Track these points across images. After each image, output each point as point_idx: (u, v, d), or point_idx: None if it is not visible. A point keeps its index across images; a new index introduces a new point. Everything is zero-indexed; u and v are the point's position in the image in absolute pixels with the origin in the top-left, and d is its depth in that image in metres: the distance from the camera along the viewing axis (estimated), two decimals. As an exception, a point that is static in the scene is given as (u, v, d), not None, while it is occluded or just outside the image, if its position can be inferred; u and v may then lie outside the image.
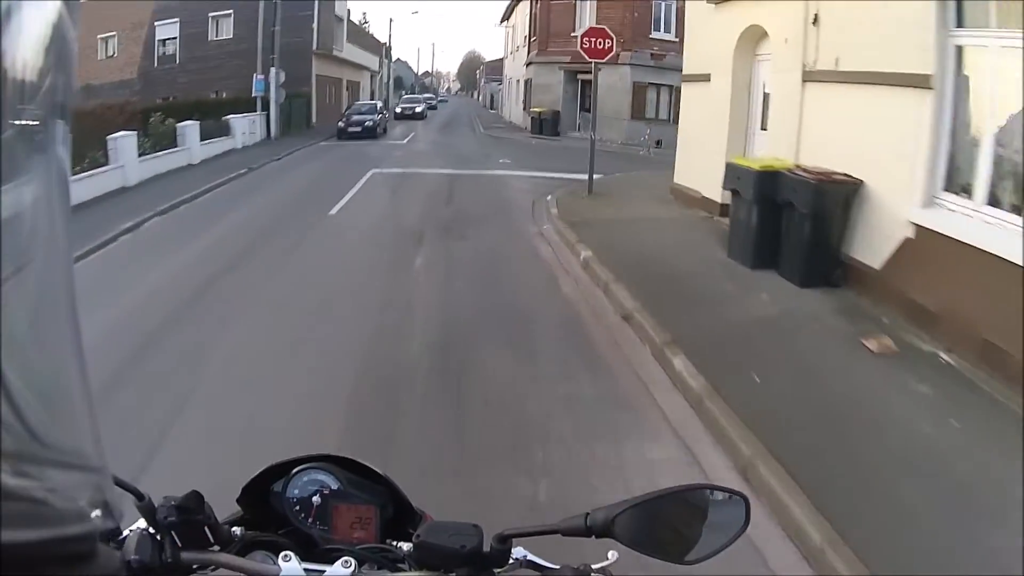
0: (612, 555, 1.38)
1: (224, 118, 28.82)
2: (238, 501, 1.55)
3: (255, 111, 32.59)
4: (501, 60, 72.16)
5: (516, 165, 23.67)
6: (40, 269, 0.83)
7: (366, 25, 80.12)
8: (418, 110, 55.11)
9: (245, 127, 30.39)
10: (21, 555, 0.69)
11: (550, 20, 38.13)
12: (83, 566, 0.87)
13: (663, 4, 35.45)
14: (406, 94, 79.64)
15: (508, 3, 53.63)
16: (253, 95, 33.05)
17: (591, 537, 1.33)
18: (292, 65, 37.72)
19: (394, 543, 1.49)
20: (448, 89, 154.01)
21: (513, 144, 33.63)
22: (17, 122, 0.76)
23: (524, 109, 43.89)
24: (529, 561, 1.41)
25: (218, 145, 26.62)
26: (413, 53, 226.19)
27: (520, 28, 48.26)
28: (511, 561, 1.39)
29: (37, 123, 0.80)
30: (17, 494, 0.70)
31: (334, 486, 1.52)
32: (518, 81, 49.07)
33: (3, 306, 0.71)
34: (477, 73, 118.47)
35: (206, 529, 1.37)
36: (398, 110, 54.60)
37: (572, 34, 36.21)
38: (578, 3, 36.91)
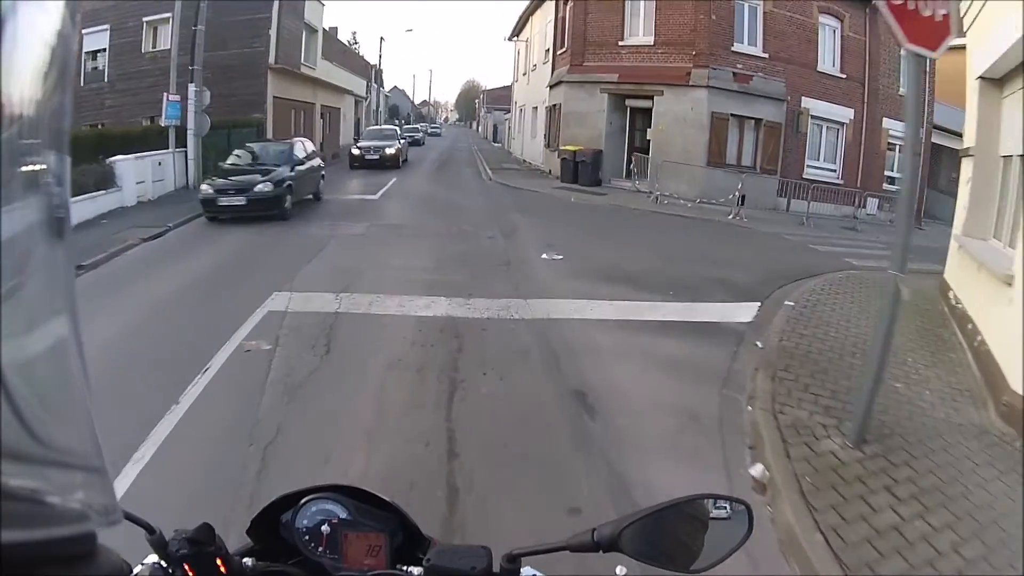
0: (620, 570, 1.45)
1: (109, 161, 19.06)
2: (248, 532, 1.58)
3: (168, 147, 22.40)
4: (506, 87, 63.71)
5: (574, 265, 13.15)
6: (41, 272, 0.83)
7: (356, 46, 73.09)
8: (390, 152, 33.35)
9: (145, 173, 20.60)
10: (21, 555, 0.71)
11: (587, 25, 27.62)
12: (83, 566, 0.89)
13: (745, 6, 25.56)
14: (381, 124, 57.53)
15: (522, 12, 42.35)
16: (164, 123, 22.56)
17: (599, 552, 1.36)
18: (237, 83, 29.37)
19: (405, 568, 1.51)
20: (446, 119, 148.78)
21: (545, 204, 22.91)
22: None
23: (547, 146, 33.62)
24: None
25: (89, 206, 17.03)
26: (409, 81, 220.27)
27: (539, 41, 37.57)
28: None
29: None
30: (17, 494, 0.72)
31: (343, 515, 1.53)
32: (535, 109, 38.25)
33: (3, 308, 0.72)
34: (476, 102, 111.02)
35: (217, 561, 1.36)
36: (355, 151, 33.87)
37: (620, 43, 26.13)
38: (628, 0, 26.66)
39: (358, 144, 35.13)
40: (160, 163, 21.46)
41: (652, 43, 25.87)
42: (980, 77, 11.36)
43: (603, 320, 9.57)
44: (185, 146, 22.55)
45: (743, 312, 10.43)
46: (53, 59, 0.76)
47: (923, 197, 31.89)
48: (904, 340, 9.32)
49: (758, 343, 8.96)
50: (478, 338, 8.68)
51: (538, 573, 1.50)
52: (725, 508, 1.46)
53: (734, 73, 24.71)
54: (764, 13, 25.69)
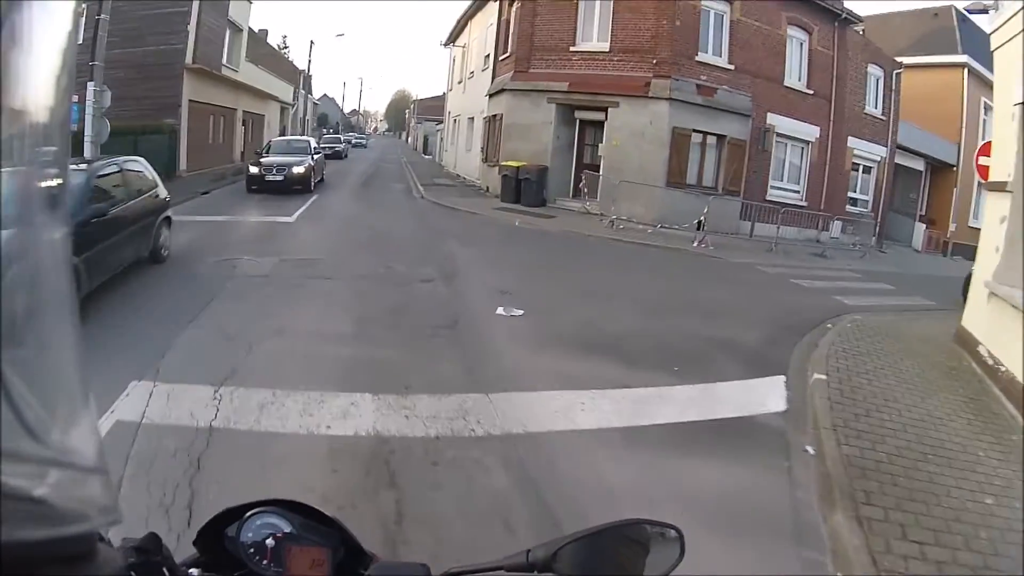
0: None
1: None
2: (194, 543, 1.54)
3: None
4: (439, 97, 62.12)
5: (540, 324, 10.21)
6: (40, 271, 0.83)
7: (285, 51, 71.03)
8: (297, 171, 25.08)
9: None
10: (21, 555, 0.71)
11: (535, 28, 24.96)
12: (83, 566, 0.88)
13: (712, 12, 23.59)
14: (308, 133, 52.24)
15: (460, 15, 39.43)
16: (57, 130, 18.65)
17: (533, 573, 1.36)
18: (151, 84, 26.56)
19: None
20: (375, 129, 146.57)
21: (487, 230, 19.85)
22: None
23: (485, 160, 30.56)
24: None
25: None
26: (339, 88, 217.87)
27: (478, 47, 34.77)
28: None
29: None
30: (17, 494, 0.72)
31: (287, 529, 1.51)
32: (471, 119, 35.35)
33: (3, 307, 0.72)
34: (407, 112, 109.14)
35: (164, 571, 1.32)
36: (253, 169, 24.97)
37: (572, 48, 23.67)
38: (582, 2, 24.16)
39: (260, 159, 25.89)
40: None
41: (608, 49, 23.38)
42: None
43: (602, 430, 6.66)
44: (82, 155, 19.25)
45: (770, 394, 8.04)
46: (56, 60, 0.76)
47: (884, 219, 30.93)
48: (957, 417, 7.89)
49: (809, 448, 6.65)
50: (426, 485, 5.42)
51: None
52: (657, 532, 1.46)
53: (698, 85, 22.46)
54: (731, 21, 23.64)
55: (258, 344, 8.34)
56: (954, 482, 6.05)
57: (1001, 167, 10.68)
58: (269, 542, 1.47)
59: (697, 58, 22.72)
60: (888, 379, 8.94)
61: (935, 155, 36.00)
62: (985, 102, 37.32)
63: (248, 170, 25.14)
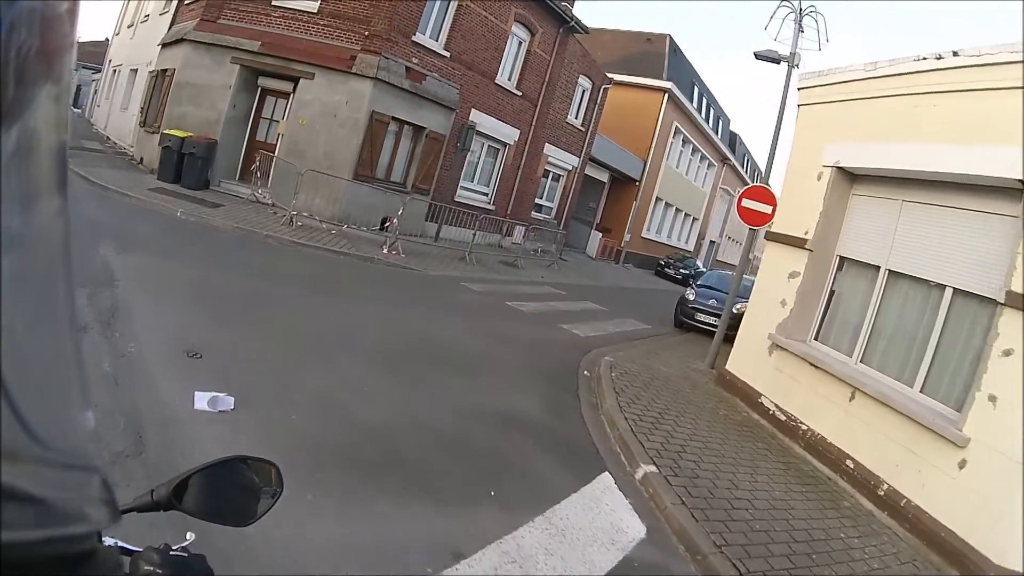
0: (190, 535, 1.37)
1: None
2: None
3: None
4: (101, 42, 53.82)
5: (272, 432, 5.64)
6: (40, 269, 0.82)
7: None
8: None
9: None
10: (21, 555, 0.71)
11: (227, -25, 20.51)
12: (83, 566, 0.88)
13: None
14: None
15: None
16: None
17: (160, 511, 1.36)
18: None
19: None
20: None
21: (144, 223, 13.50)
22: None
23: (143, 124, 23.97)
24: (115, 545, 1.31)
25: None
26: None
27: (159, -14, 28.54)
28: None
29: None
30: (17, 494, 0.72)
31: None
32: (135, 71, 29.57)
33: (3, 307, 0.72)
34: None
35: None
36: None
37: (274, 2, 20.04)
38: (290, -49, 20.36)
39: None
40: None
41: (316, 11, 19.63)
42: (837, 167, 10.25)
43: None
44: None
45: (615, 509, 6.14)
46: (53, 60, 0.76)
47: (568, 227, 31.64)
48: (796, 495, 7.54)
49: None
50: None
51: (113, 538, 1.28)
52: (258, 467, 1.52)
53: (408, 68, 19.69)
54: (459, 5, 21.36)
55: None
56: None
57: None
58: None
59: (414, 38, 20.03)
60: (710, 455, 8.05)
61: (622, 169, 37.80)
62: (677, 126, 40.69)
63: None
